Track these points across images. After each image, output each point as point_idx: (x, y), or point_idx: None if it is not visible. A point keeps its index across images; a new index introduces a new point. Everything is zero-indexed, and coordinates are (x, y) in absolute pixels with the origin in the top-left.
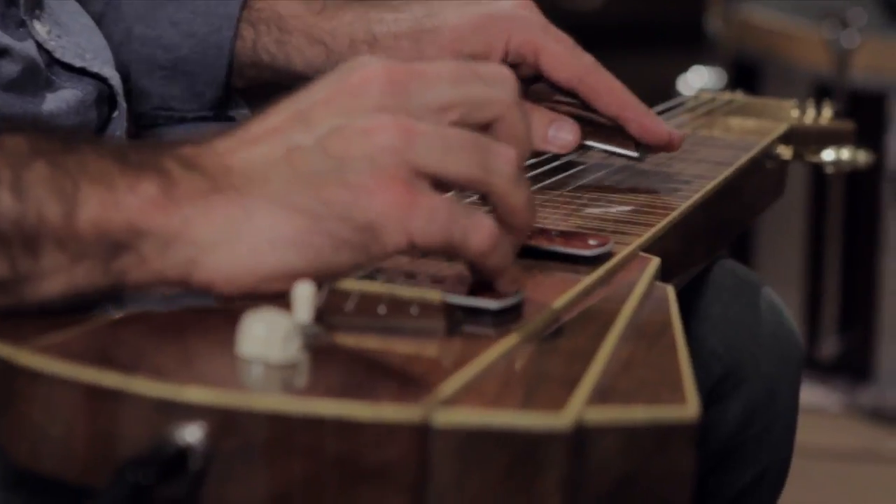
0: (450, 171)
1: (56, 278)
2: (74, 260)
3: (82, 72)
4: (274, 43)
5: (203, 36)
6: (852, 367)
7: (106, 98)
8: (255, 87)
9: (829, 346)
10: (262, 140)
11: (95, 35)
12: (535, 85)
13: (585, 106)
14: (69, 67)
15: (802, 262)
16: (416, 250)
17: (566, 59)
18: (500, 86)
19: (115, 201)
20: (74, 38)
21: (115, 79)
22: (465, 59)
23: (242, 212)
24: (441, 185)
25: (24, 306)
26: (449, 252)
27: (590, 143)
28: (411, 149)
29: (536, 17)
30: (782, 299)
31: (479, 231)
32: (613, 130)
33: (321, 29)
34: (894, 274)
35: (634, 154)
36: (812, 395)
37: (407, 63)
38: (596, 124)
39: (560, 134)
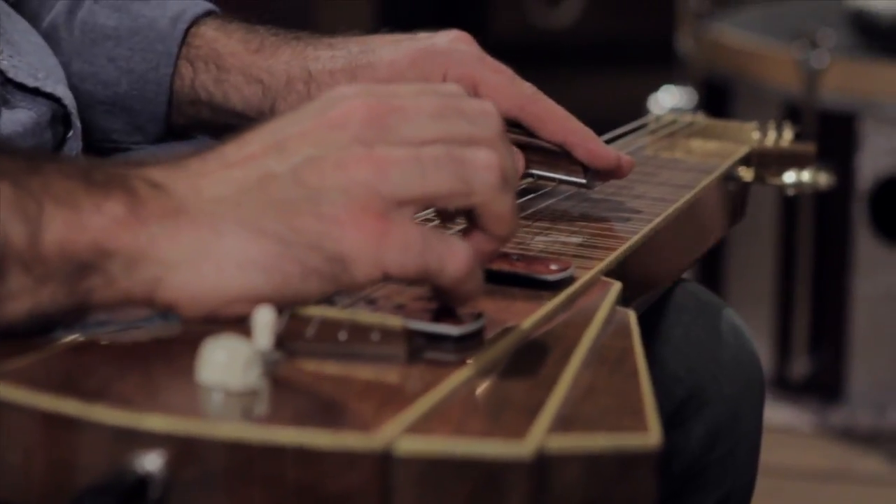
0: (430, 192)
1: (21, 300)
2: (39, 282)
3: (35, 92)
4: (212, 81)
5: (141, 73)
6: (823, 387)
7: (60, 118)
8: (194, 126)
9: (800, 366)
10: (237, 165)
11: (47, 54)
12: None
13: (531, 135)
14: (23, 87)
15: (773, 282)
16: (391, 280)
17: (505, 90)
18: (484, 122)
19: (80, 222)
20: (27, 58)
21: (68, 98)
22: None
23: (211, 233)
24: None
25: None
26: (425, 280)
27: (536, 171)
28: (386, 180)
29: (473, 49)
30: (752, 319)
31: (455, 257)
32: (560, 157)
33: (258, 67)
34: (864, 294)
35: (582, 181)
36: (783, 414)
37: (389, 96)
38: (543, 152)
39: None
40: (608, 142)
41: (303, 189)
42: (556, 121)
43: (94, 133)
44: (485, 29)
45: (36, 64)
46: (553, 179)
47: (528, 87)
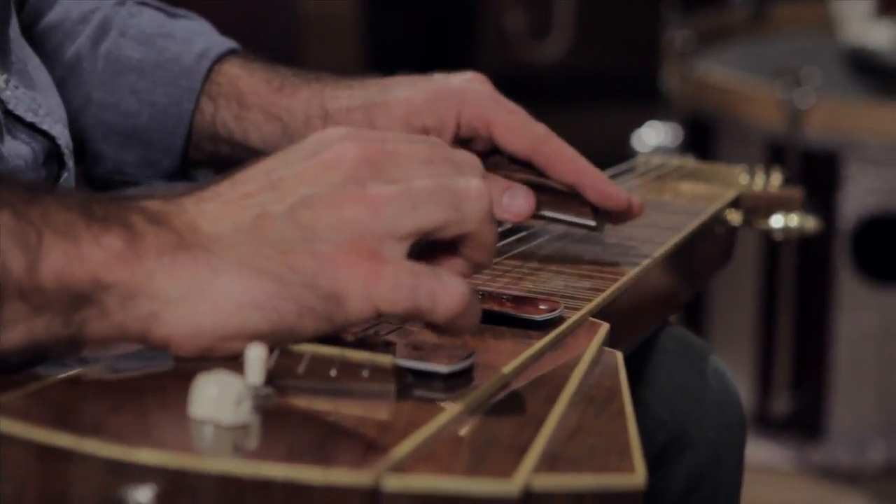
0: (423, 224)
1: (17, 328)
2: (36, 311)
3: (33, 127)
4: (233, 118)
5: (163, 106)
6: (804, 425)
7: (55, 157)
8: (211, 161)
9: (781, 404)
10: (233, 203)
11: (53, 94)
12: (492, 157)
13: (542, 175)
14: (21, 121)
15: (755, 320)
16: (384, 317)
17: (519, 130)
18: (470, 169)
19: (79, 254)
20: (31, 93)
21: (63, 138)
22: (433, 138)
23: (209, 270)
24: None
25: None
26: (417, 317)
27: (547, 213)
28: (378, 218)
29: (487, 90)
30: (735, 356)
31: (449, 294)
32: (571, 199)
33: (279, 106)
34: (846, 333)
35: (592, 223)
36: (764, 452)
37: (379, 140)
38: (554, 193)
39: (515, 201)
40: None
41: (298, 228)
42: (567, 162)
43: (105, 164)
44: (471, 63)
45: (39, 100)
46: (563, 221)
47: (541, 128)
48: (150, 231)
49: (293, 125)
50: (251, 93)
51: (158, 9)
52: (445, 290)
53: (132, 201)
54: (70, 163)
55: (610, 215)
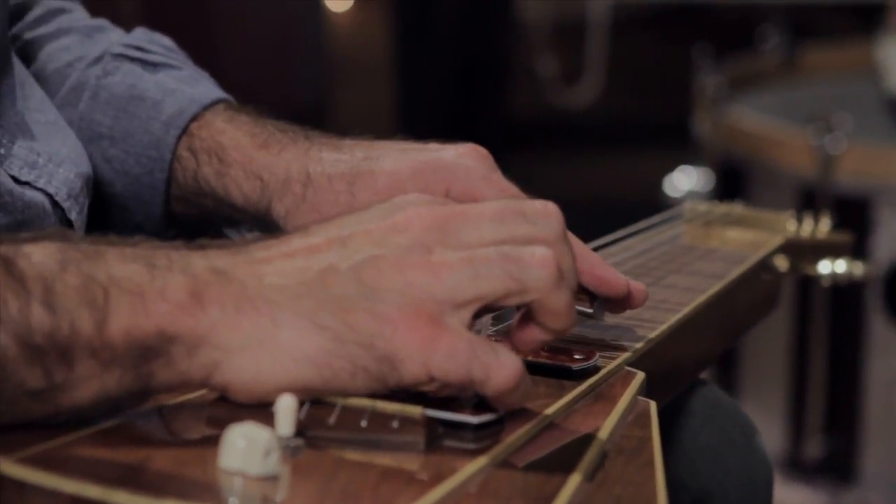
0: (485, 294)
1: (89, 385)
2: (106, 367)
3: (30, 185)
4: (214, 174)
5: (136, 176)
6: (836, 469)
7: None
8: (198, 215)
9: (814, 448)
10: (299, 255)
11: (56, 132)
12: None
13: None
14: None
15: (787, 364)
16: (436, 383)
17: None
18: (545, 222)
19: (144, 307)
20: (28, 143)
21: (64, 188)
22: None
23: (270, 322)
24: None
25: (57, 414)
26: (469, 388)
27: None
28: (441, 285)
29: (479, 166)
30: (767, 400)
31: (501, 371)
32: None
33: (259, 164)
34: (878, 377)
35: (588, 311)
36: (796, 496)
37: (451, 205)
38: None
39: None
40: (645, 230)
41: (361, 287)
42: None
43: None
44: (502, 108)
45: (38, 148)
46: None
47: None
48: (213, 281)
49: (272, 185)
50: (233, 147)
51: (137, 60)
52: (500, 366)
53: (197, 250)
54: (73, 215)
55: (608, 302)
